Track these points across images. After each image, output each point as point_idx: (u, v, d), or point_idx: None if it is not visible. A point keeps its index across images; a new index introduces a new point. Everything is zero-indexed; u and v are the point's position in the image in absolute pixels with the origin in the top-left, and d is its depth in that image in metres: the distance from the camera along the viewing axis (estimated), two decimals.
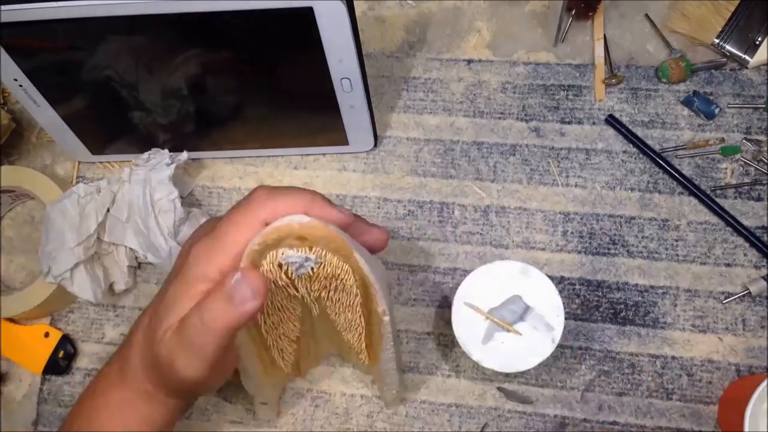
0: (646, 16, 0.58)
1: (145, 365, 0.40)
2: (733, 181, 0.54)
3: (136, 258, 0.54)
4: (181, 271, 0.39)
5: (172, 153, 0.53)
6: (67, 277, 0.50)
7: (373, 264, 0.39)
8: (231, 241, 0.38)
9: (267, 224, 0.36)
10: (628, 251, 0.53)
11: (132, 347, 0.41)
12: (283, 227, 0.36)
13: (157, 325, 0.38)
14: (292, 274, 0.38)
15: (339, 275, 0.39)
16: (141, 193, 0.51)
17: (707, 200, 0.53)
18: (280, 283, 0.39)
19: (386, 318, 0.40)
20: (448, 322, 0.47)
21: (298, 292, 0.40)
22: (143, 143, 0.55)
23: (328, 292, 0.41)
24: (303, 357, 0.49)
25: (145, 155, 0.53)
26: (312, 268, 0.38)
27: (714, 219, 0.53)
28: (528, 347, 0.46)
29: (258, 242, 0.37)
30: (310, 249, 0.37)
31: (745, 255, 0.53)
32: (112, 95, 0.49)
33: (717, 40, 0.55)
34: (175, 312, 0.37)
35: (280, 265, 0.38)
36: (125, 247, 0.52)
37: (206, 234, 0.39)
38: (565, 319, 0.46)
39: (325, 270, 0.38)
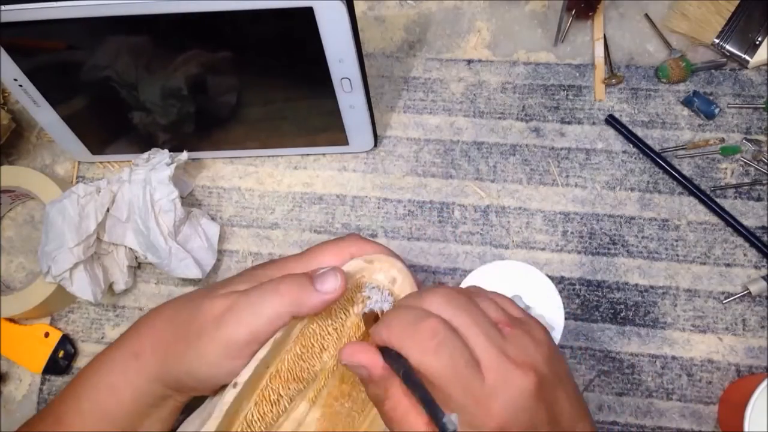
0: (646, 16, 0.58)
1: (172, 323, 0.40)
2: (733, 181, 0.54)
3: (136, 258, 0.54)
4: (255, 272, 0.41)
5: (172, 153, 0.53)
6: (67, 277, 0.50)
7: None
8: (316, 262, 0.40)
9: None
10: (628, 251, 0.53)
11: (141, 321, 0.42)
12: (389, 261, 0.40)
13: (219, 288, 0.40)
14: (364, 304, 0.40)
15: None
16: (141, 193, 0.51)
17: (707, 200, 0.53)
18: (338, 316, 0.40)
19: None
20: None
21: (346, 316, 0.40)
22: (143, 143, 0.55)
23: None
24: None
25: (145, 155, 0.53)
26: (381, 310, 0.40)
27: (714, 219, 0.53)
28: None
29: (367, 258, 0.40)
30: (391, 295, 0.40)
31: (745, 255, 0.53)
32: (112, 95, 0.49)
33: (717, 40, 0.55)
34: (242, 285, 0.39)
35: (351, 298, 0.40)
36: (125, 247, 0.52)
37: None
38: (565, 319, 0.47)
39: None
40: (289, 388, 0.39)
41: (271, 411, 0.38)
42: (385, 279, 0.40)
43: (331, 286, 0.37)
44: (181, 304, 0.41)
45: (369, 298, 0.40)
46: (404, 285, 0.41)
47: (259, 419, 0.38)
